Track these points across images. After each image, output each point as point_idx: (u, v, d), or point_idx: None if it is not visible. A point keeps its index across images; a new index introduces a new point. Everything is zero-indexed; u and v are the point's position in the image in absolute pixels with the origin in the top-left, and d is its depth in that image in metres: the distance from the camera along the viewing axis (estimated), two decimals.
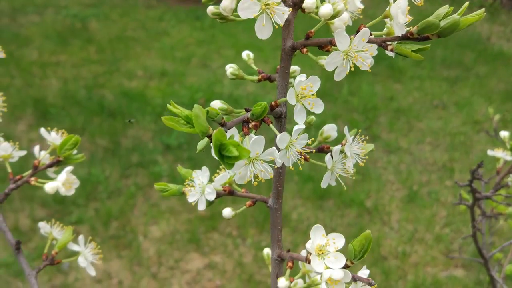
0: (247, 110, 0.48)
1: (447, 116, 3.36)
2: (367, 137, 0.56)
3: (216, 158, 0.43)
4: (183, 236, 2.36)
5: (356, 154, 0.54)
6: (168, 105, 0.45)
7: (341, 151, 0.53)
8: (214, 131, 0.41)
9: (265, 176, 0.49)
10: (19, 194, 2.52)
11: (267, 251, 0.63)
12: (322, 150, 0.53)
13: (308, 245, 0.47)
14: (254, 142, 0.46)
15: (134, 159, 2.89)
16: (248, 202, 0.58)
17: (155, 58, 4.21)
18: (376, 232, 2.40)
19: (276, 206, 0.54)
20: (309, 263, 0.48)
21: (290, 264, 0.53)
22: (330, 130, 0.55)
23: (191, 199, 0.57)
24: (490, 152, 1.07)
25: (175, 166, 2.85)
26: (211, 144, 0.43)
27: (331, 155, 0.53)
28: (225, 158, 0.42)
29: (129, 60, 4.16)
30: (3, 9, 5.00)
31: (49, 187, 0.65)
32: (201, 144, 0.46)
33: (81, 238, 0.69)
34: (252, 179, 0.49)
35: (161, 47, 4.40)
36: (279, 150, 0.49)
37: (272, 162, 0.48)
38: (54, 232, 0.70)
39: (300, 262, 0.63)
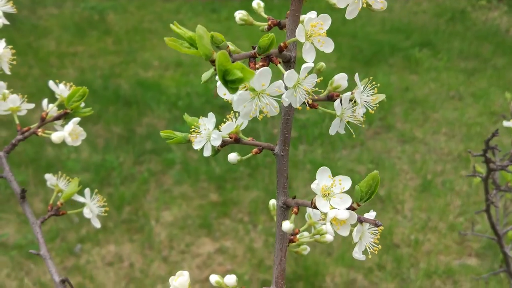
0: (253, 48, 0.47)
1: (463, 107, 3.31)
2: (378, 85, 0.55)
3: (221, 84, 0.42)
4: (194, 221, 2.37)
5: (366, 102, 0.52)
6: (171, 25, 0.44)
7: (351, 99, 0.51)
8: (217, 53, 0.40)
9: (271, 111, 0.47)
10: (35, 179, 2.56)
11: (273, 202, 0.63)
12: (332, 98, 0.52)
13: (313, 185, 0.46)
14: (260, 73, 0.44)
15: (148, 147, 2.91)
16: (255, 150, 0.57)
17: (170, 49, 4.21)
18: (388, 220, 2.38)
19: (283, 153, 0.53)
20: (315, 207, 0.48)
21: (295, 209, 0.52)
22: (340, 79, 0.53)
23: (196, 145, 0.56)
24: (505, 123, 1.06)
25: (188, 154, 2.87)
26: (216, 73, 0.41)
27: (341, 102, 0.51)
28: (229, 82, 0.41)
29: (145, 51, 4.20)
30: (23, 2, 5.07)
31: (55, 136, 0.65)
32: (206, 75, 0.45)
33: (87, 190, 0.69)
34: (257, 114, 0.47)
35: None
36: (286, 89, 0.47)
37: (279, 97, 0.47)
38: (60, 184, 0.71)
39: (306, 215, 0.63)
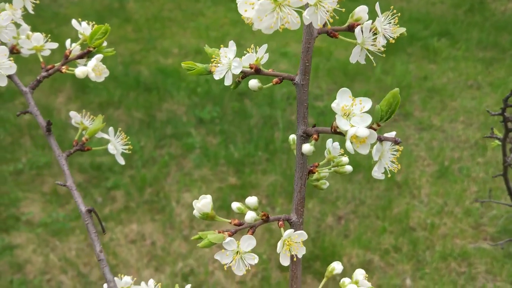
0: None
1: (481, 96, 3.31)
2: (399, 14, 0.55)
3: None
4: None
5: (386, 31, 0.52)
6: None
7: (371, 28, 0.51)
8: None
9: (292, 22, 0.46)
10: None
11: (292, 136, 0.65)
12: (352, 27, 0.52)
13: (334, 104, 0.46)
14: None
15: (168, 131, 2.97)
16: (275, 80, 0.58)
17: (190, 37, 4.28)
18: (405, 205, 2.41)
19: (303, 83, 0.54)
20: (335, 131, 0.49)
21: (315, 136, 0.53)
22: (361, 11, 0.52)
23: (217, 75, 0.57)
24: None
25: (207, 138, 2.92)
26: None
27: (361, 30, 0.51)
28: None
29: (165, 39, 4.25)
30: None
31: (79, 71, 0.67)
32: None
33: (111, 129, 0.71)
34: (278, 26, 0.47)
35: (196, 27, 4.46)
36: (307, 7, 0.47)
37: (300, 9, 0.47)
38: (85, 122, 0.73)
39: (325, 152, 0.64)
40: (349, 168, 0.61)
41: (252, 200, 0.56)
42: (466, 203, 2.42)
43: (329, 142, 0.63)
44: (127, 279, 0.65)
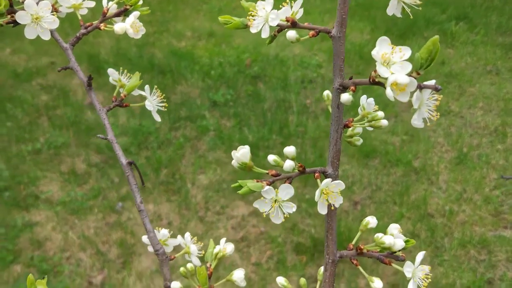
0: None
1: (500, 82, 3.26)
2: None
3: None
4: (229, 185, 2.42)
5: None
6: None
7: None
8: None
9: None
10: (76, 141, 2.64)
11: (327, 92, 0.63)
12: None
13: (374, 52, 0.45)
14: None
15: (182, 114, 2.96)
16: (311, 32, 0.57)
17: (203, 20, 4.25)
18: (422, 191, 2.39)
19: (340, 35, 0.53)
20: (373, 82, 0.48)
21: (352, 88, 0.52)
22: None
23: (254, 29, 0.56)
24: None
25: (221, 121, 2.91)
26: None
27: None
28: None
29: (178, 22, 4.22)
30: None
31: (118, 27, 0.67)
32: None
33: (147, 87, 0.71)
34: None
35: (209, 9, 4.43)
36: None
37: None
38: (123, 79, 0.73)
39: (359, 108, 0.63)
40: (384, 122, 0.60)
41: (290, 149, 0.56)
42: (485, 190, 2.39)
43: (363, 98, 0.62)
44: (164, 231, 0.68)
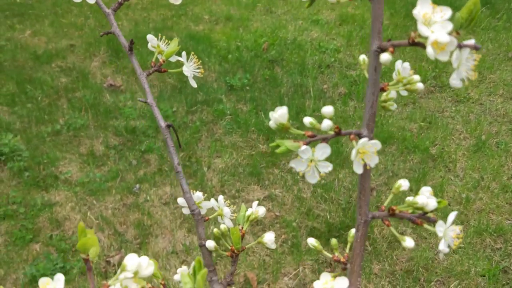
0: None
1: None
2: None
3: None
4: (244, 169, 2.44)
5: None
6: None
7: None
8: None
9: None
10: (95, 123, 2.67)
11: (363, 57, 0.64)
12: None
13: (415, 11, 0.47)
14: None
15: (199, 98, 2.97)
16: None
17: (221, 4, 4.24)
18: (439, 179, 2.38)
19: None
20: (412, 43, 0.49)
21: (391, 49, 0.53)
22: None
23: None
24: None
25: (237, 106, 2.91)
26: None
27: None
28: None
29: (196, 5, 4.21)
30: None
31: None
32: None
33: (184, 53, 0.73)
34: None
35: None
36: None
37: None
38: (161, 45, 0.74)
39: (394, 73, 0.63)
40: (420, 85, 0.60)
41: (328, 109, 0.57)
42: (503, 178, 2.37)
43: (398, 63, 0.63)
44: (199, 194, 0.69)
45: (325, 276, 0.57)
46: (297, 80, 3.13)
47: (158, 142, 2.58)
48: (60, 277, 0.44)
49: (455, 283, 1.89)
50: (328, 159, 0.56)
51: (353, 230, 0.61)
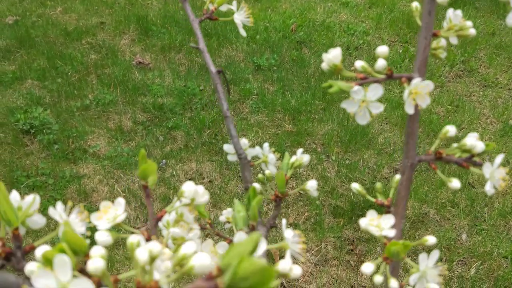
0: None
1: None
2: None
3: None
4: (269, 148, 2.45)
5: None
6: None
7: None
8: None
9: None
10: (123, 99, 2.73)
11: (415, 4, 0.64)
12: None
13: None
14: None
15: (226, 76, 2.99)
16: None
17: None
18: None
19: None
20: None
21: None
22: None
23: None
24: None
25: (264, 85, 2.93)
26: None
27: None
28: None
29: None
30: None
31: None
32: None
33: (234, 2, 0.75)
34: None
35: None
36: None
37: None
38: None
39: (444, 22, 0.63)
40: (473, 31, 0.60)
41: (383, 49, 0.58)
42: None
43: (450, 11, 0.62)
44: (244, 141, 0.72)
45: (371, 214, 0.58)
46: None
47: (185, 120, 2.62)
48: (121, 201, 0.47)
49: (477, 263, 1.89)
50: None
51: (397, 176, 0.62)
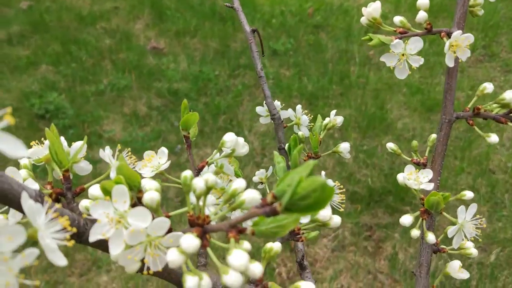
0: None
1: None
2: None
3: None
4: (286, 133, 2.42)
5: None
6: None
7: None
8: None
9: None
10: (137, 84, 2.71)
11: None
12: None
13: None
14: None
15: (242, 61, 2.96)
16: None
17: None
18: (485, 147, 2.30)
19: None
20: None
21: None
22: None
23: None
24: None
25: (280, 70, 2.89)
26: None
27: None
28: None
29: None
30: None
31: None
32: None
33: None
34: None
35: None
36: None
37: None
38: None
39: None
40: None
41: (424, 1, 0.58)
42: None
43: None
44: (277, 103, 0.72)
45: (409, 168, 0.59)
46: (342, 46, 3.07)
47: (200, 105, 2.59)
48: (164, 150, 0.47)
49: (497, 250, 1.85)
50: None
51: (433, 135, 0.61)
